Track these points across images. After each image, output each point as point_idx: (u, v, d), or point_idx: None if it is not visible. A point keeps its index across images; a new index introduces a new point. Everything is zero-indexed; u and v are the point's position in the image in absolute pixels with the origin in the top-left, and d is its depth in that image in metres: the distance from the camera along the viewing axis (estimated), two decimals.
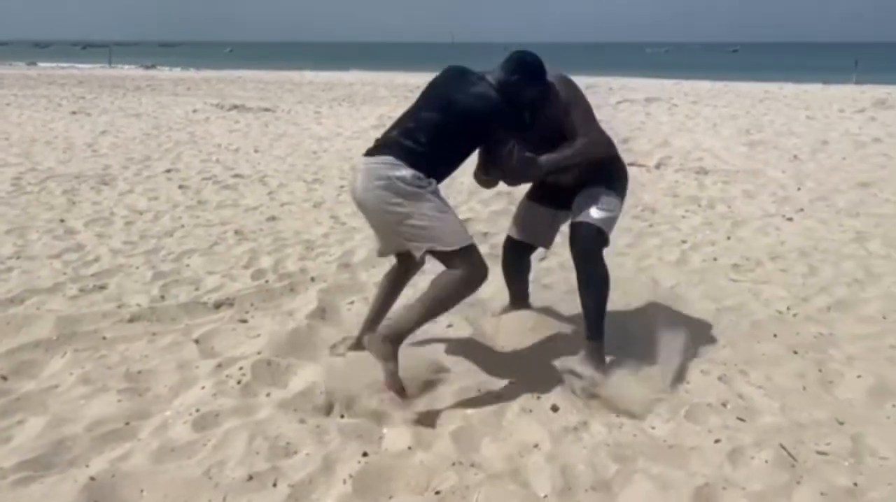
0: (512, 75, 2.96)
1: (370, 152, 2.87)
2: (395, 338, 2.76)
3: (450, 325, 3.55)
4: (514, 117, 2.94)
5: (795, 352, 3.28)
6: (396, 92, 19.04)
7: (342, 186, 6.85)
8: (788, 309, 3.85)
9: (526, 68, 2.99)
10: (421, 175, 2.75)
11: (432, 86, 3.02)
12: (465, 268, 2.77)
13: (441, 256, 2.81)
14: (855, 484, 2.32)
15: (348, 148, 9.31)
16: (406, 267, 3.20)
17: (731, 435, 2.59)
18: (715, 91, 19.60)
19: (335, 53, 74.03)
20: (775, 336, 3.47)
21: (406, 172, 2.74)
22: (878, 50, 78.71)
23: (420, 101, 2.97)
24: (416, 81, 22.67)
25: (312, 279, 4.22)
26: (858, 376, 3.02)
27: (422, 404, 2.79)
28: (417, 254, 2.84)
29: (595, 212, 3.04)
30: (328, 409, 2.78)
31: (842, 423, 2.68)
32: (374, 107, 14.88)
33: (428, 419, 2.69)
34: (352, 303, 3.85)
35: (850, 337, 3.45)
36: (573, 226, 3.10)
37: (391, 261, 3.26)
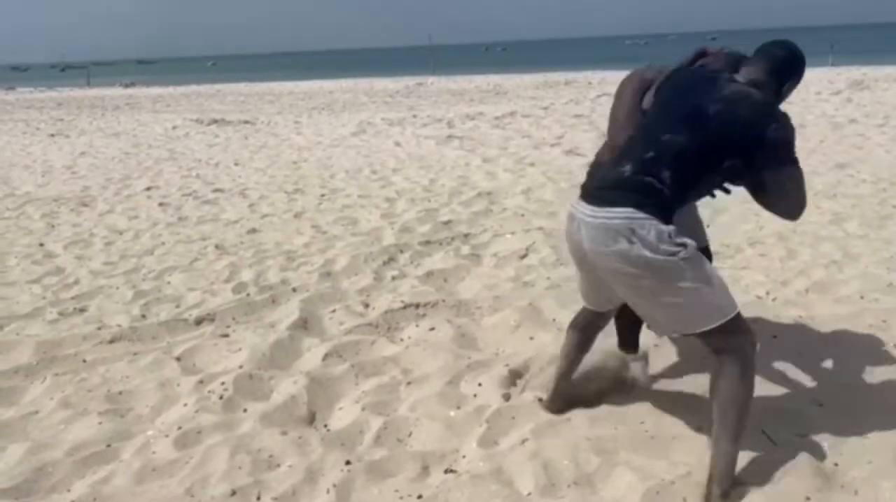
0: (781, 75, 2.29)
1: (593, 196, 2.21)
2: (729, 486, 2.17)
3: (432, 328, 3.55)
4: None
5: (775, 337, 3.30)
6: (376, 97, 19.04)
7: (323, 195, 6.85)
8: (768, 293, 3.87)
9: (798, 64, 2.33)
10: (672, 231, 2.10)
11: (667, 96, 2.34)
12: (737, 351, 2.16)
13: (701, 335, 2.19)
14: (836, 465, 2.33)
15: (329, 156, 9.31)
16: (604, 316, 2.63)
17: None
18: None
19: (316, 62, 74.00)
20: (755, 321, 3.49)
21: (652, 234, 2.08)
22: (853, 32, 79.37)
23: (656, 118, 2.29)
24: (395, 86, 22.70)
25: (294, 289, 4.21)
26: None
27: (404, 407, 2.79)
28: (660, 334, 2.46)
29: None
30: (310, 419, 2.78)
31: (821, 405, 2.70)
32: (355, 113, 14.88)
33: (409, 422, 2.69)
34: (334, 311, 3.84)
35: (830, 317, 3.47)
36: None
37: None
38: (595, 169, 2.57)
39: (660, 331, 2.39)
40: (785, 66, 2.30)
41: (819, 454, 2.39)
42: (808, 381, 2.90)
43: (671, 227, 2.10)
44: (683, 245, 2.10)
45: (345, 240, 5.17)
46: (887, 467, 2.27)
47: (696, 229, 2.80)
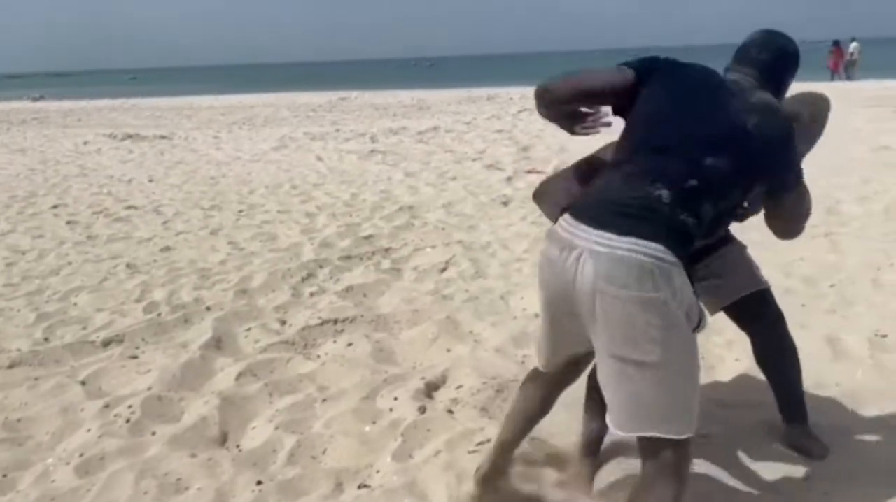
0: (784, 72, 2.02)
1: (607, 220, 1.69)
2: None
3: (350, 344, 3.52)
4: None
5: None
6: (298, 112, 18.84)
7: (241, 211, 6.73)
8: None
9: (795, 58, 2.04)
10: (689, 282, 1.72)
11: (688, 100, 1.87)
12: (679, 475, 1.71)
13: (652, 445, 1.70)
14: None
15: (248, 171, 9.15)
16: (566, 378, 2.12)
17: None
18: None
19: (239, 76, 72.79)
20: None
21: (687, 290, 1.69)
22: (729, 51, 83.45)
23: (685, 128, 1.82)
24: (318, 101, 22.53)
25: (208, 308, 4.11)
26: (737, 359, 3.18)
27: (319, 424, 2.76)
28: (620, 429, 1.73)
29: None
30: (222, 440, 2.72)
31: (723, 406, 2.81)
32: (276, 128, 14.68)
33: (323, 439, 2.66)
34: (249, 329, 3.77)
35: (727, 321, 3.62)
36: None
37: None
38: (600, 183, 1.86)
39: (623, 425, 1.72)
40: (778, 70, 2.01)
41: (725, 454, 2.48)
42: (709, 383, 3.01)
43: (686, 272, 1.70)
44: (701, 318, 1.74)
45: (262, 257, 5.09)
46: None
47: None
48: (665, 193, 1.71)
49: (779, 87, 2.01)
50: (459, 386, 3.04)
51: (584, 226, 1.72)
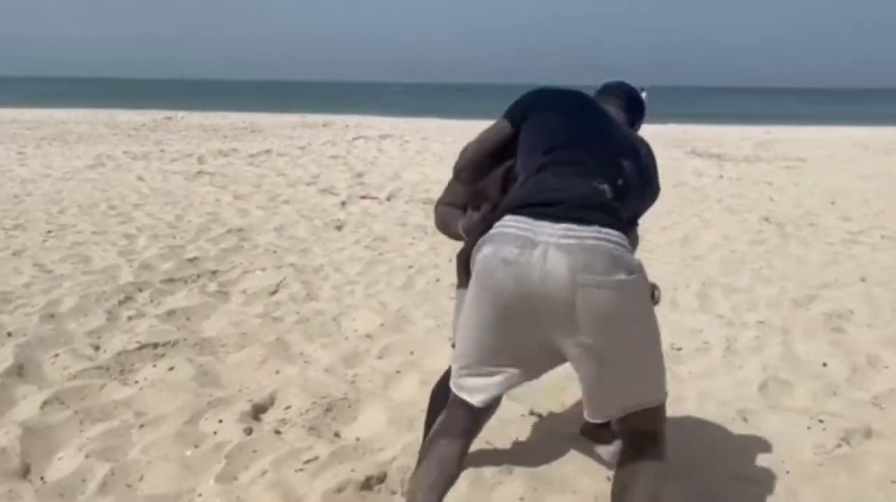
0: (638, 118, 2.27)
1: (570, 215, 1.68)
2: None
3: (171, 368, 3.37)
4: None
5: None
6: (118, 130, 17.71)
7: (49, 231, 6.20)
8: None
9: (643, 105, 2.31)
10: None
11: (588, 114, 2.02)
12: (661, 442, 1.84)
13: (637, 418, 1.79)
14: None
15: (59, 190, 8.45)
16: (484, 418, 1.96)
17: None
18: (443, 128, 20.96)
19: (49, 89, 67.07)
20: None
21: (644, 272, 1.75)
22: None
23: (595, 135, 1.95)
24: (141, 119, 21.33)
25: (9, 334, 3.74)
26: None
27: (136, 451, 2.62)
28: (603, 417, 1.82)
29: None
30: (24, 472, 2.50)
31: (540, 415, 3.00)
32: (92, 146, 13.69)
33: (140, 465, 2.53)
34: (57, 355, 3.49)
35: None
36: None
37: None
38: (532, 186, 1.82)
39: (607, 411, 1.80)
40: (637, 108, 2.26)
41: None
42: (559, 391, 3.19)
43: None
44: (655, 292, 1.83)
45: (74, 280, 4.73)
46: None
47: None
48: (606, 188, 1.78)
49: (633, 125, 2.24)
50: (288, 407, 3.01)
51: (541, 222, 1.67)
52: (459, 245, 2.46)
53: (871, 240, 6.54)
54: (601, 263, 1.63)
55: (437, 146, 14.94)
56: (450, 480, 1.85)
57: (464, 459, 1.89)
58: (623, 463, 1.85)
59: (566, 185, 1.76)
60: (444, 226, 2.49)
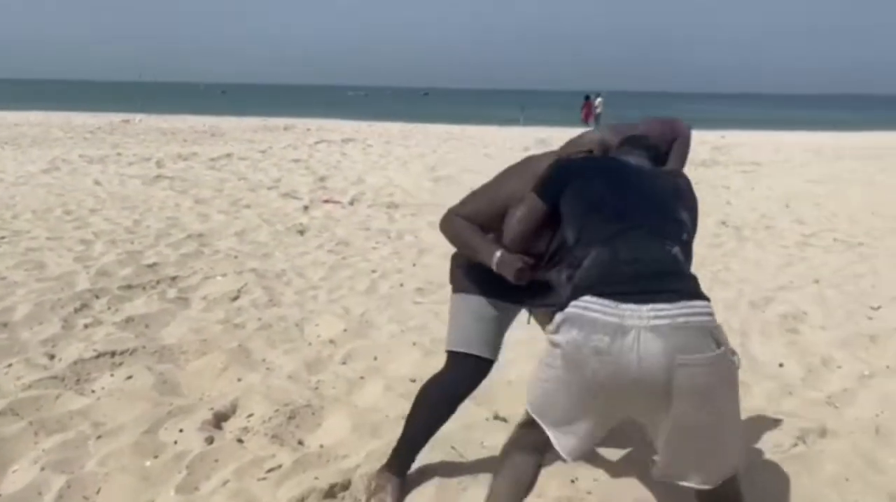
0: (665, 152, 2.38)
1: (655, 289, 1.68)
2: None
3: (129, 377, 3.31)
4: None
5: None
6: (74, 133, 17.32)
7: (2, 237, 6.02)
8: None
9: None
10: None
11: (628, 177, 2.01)
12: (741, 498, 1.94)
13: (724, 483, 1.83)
14: None
15: (11, 195, 8.22)
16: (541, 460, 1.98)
17: None
18: (406, 131, 20.97)
19: (0, 91, 65.27)
20: None
21: (723, 332, 1.74)
22: (541, 97, 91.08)
23: (660, 201, 1.94)
24: (97, 122, 20.91)
25: None
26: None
27: (93, 463, 2.56)
28: (701, 484, 1.79)
29: None
30: None
31: (504, 420, 3.01)
32: (47, 149, 13.35)
33: (97, 477, 2.47)
34: (10, 365, 3.39)
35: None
36: None
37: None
38: (601, 258, 1.80)
39: (714, 478, 1.78)
40: (660, 152, 2.28)
41: None
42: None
43: None
44: (735, 354, 1.76)
45: (27, 287, 4.61)
46: None
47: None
48: (676, 250, 1.80)
49: (663, 160, 2.30)
50: (250, 415, 2.98)
51: (627, 306, 1.64)
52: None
53: (823, 242, 6.72)
54: (694, 341, 1.63)
55: (400, 150, 14.94)
56: (526, 493, 1.93)
57: (538, 472, 1.96)
58: None
59: (641, 256, 1.76)
60: (460, 240, 2.36)
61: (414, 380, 3.41)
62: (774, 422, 3.01)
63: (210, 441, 2.74)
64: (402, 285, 5.02)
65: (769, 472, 2.65)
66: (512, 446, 1.94)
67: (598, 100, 25.73)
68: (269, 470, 2.53)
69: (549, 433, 1.82)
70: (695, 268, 1.92)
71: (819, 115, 49.66)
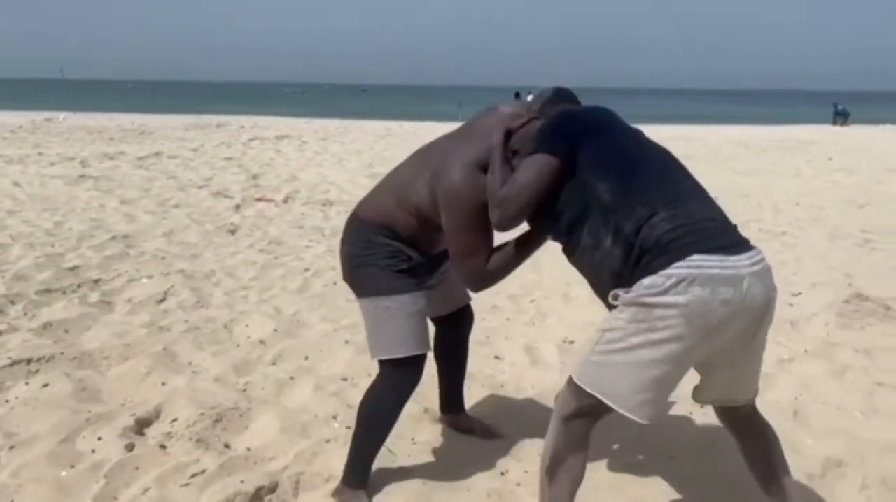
0: None
1: (735, 242, 1.87)
2: None
3: (46, 384, 3.17)
4: None
5: None
6: None
7: None
8: None
9: None
10: None
11: (640, 144, 2.07)
12: None
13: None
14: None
15: None
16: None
17: (346, 438, 2.72)
18: (343, 128, 20.77)
19: None
20: None
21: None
22: (478, 93, 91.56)
23: (676, 173, 2.01)
24: (17, 121, 20.03)
25: None
26: None
27: (5, 475, 2.44)
28: (744, 401, 2.07)
29: None
30: None
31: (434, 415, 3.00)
32: None
33: (9, 490, 2.35)
34: None
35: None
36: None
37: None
38: (701, 216, 1.89)
39: (751, 397, 2.06)
40: None
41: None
42: None
43: None
44: None
45: None
46: None
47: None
48: (718, 207, 1.96)
49: None
50: (174, 420, 2.89)
51: (733, 257, 1.81)
52: None
53: (749, 233, 6.78)
54: (772, 280, 1.89)
55: (336, 147, 14.78)
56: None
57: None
58: (756, 430, 2.09)
59: (713, 214, 1.91)
60: (506, 273, 2.28)
61: (346, 379, 3.37)
62: (698, 407, 3.08)
63: (131, 448, 2.64)
64: (335, 283, 4.95)
65: (690, 455, 2.71)
66: (563, 447, 1.97)
67: (530, 97, 25.83)
68: (193, 476, 2.46)
69: (623, 408, 1.87)
70: None
71: (748, 110, 51.38)
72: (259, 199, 8.18)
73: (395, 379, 2.35)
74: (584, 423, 1.94)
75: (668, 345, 1.79)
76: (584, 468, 1.99)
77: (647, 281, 1.78)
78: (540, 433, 2.82)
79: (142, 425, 2.86)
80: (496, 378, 3.47)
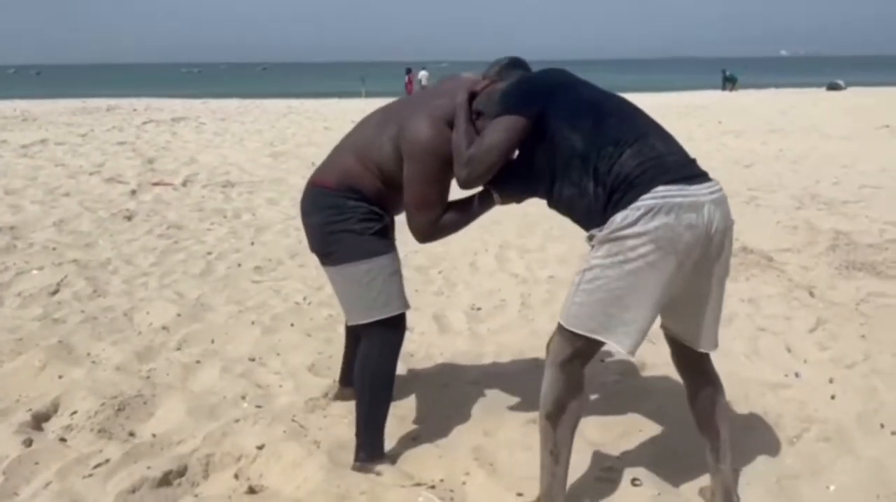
0: None
1: (696, 174, 1.98)
2: None
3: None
4: None
5: (309, 335, 3.60)
6: None
7: None
8: (305, 299, 4.19)
9: None
10: None
11: (606, 96, 2.16)
12: None
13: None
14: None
15: None
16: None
17: (256, 417, 2.72)
18: (243, 108, 20.18)
19: None
20: (292, 325, 3.75)
21: None
22: (381, 68, 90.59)
23: (636, 114, 2.11)
24: None
25: None
26: None
27: None
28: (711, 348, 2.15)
29: None
30: None
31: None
32: None
33: None
34: None
35: None
36: None
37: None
38: (662, 150, 2.00)
39: (712, 345, 2.15)
40: None
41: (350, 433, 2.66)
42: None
43: None
44: None
45: None
46: None
47: None
48: (681, 149, 2.06)
49: None
50: (74, 412, 2.79)
51: (693, 186, 1.93)
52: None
53: None
54: (728, 209, 2.00)
55: (236, 126, 14.38)
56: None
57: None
58: (705, 378, 2.20)
59: (673, 148, 2.02)
60: (456, 229, 2.42)
61: (253, 359, 3.35)
62: (600, 362, 3.22)
63: (29, 443, 2.54)
64: (239, 265, 4.88)
65: (595, 409, 2.85)
66: (564, 393, 2.03)
67: (423, 72, 25.36)
68: (96, 466, 2.40)
69: (612, 340, 1.97)
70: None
71: (638, 79, 53.04)
72: (156, 184, 7.90)
73: (387, 339, 2.40)
74: (579, 365, 2.04)
75: (642, 273, 1.90)
76: (583, 407, 2.10)
77: (618, 216, 1.91)
78: (453, 398, 2.91)
79: (39, 420, 2.75)
80: (405, 347, 3.51)
